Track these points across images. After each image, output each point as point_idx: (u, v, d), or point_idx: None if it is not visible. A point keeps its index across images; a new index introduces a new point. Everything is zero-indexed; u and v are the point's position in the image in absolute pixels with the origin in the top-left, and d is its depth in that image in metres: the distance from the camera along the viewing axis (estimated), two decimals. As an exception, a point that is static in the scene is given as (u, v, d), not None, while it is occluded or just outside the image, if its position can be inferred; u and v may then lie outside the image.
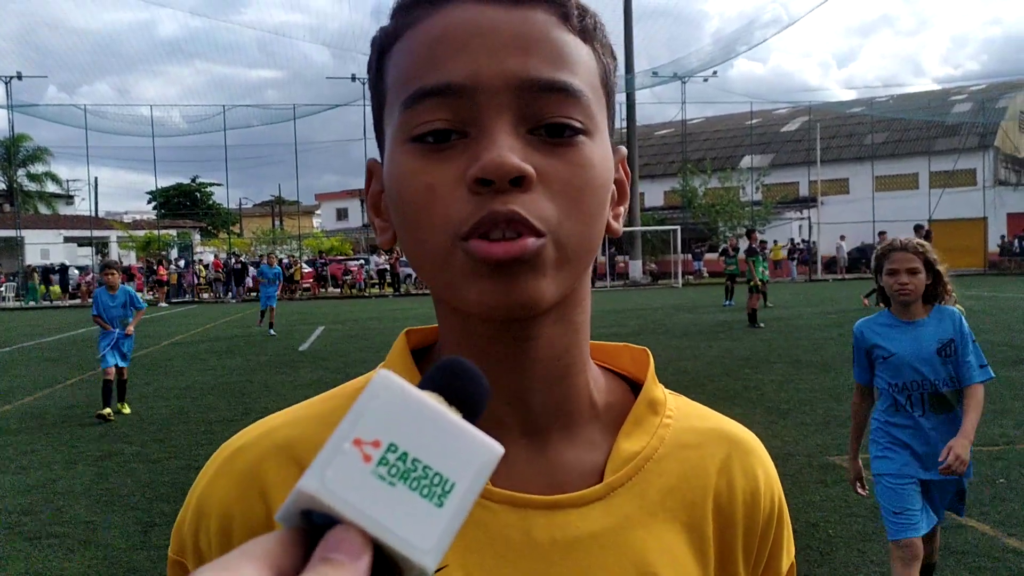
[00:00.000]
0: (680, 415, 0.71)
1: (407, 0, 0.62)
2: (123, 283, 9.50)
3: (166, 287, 36.37)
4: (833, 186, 48.19)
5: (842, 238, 41.82)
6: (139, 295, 9.35)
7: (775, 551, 0.72)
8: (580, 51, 0.60)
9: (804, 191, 48.28)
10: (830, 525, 4.88)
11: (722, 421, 0.73)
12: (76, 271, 39.42)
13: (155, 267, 36.71)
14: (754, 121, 50.27)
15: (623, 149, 0.67)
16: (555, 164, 0.57)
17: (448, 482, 0.38)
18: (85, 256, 46.71)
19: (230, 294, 37.74)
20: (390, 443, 0.38)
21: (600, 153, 0.60)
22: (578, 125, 0.58)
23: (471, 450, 0.39)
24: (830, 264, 41.87)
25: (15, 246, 40.71)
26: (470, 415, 0.41)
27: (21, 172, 49.33)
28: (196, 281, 39.10)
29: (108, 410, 8.74)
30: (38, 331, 21.33)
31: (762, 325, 16.37)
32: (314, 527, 0.37)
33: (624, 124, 42.14)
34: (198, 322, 23.26)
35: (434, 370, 0.43)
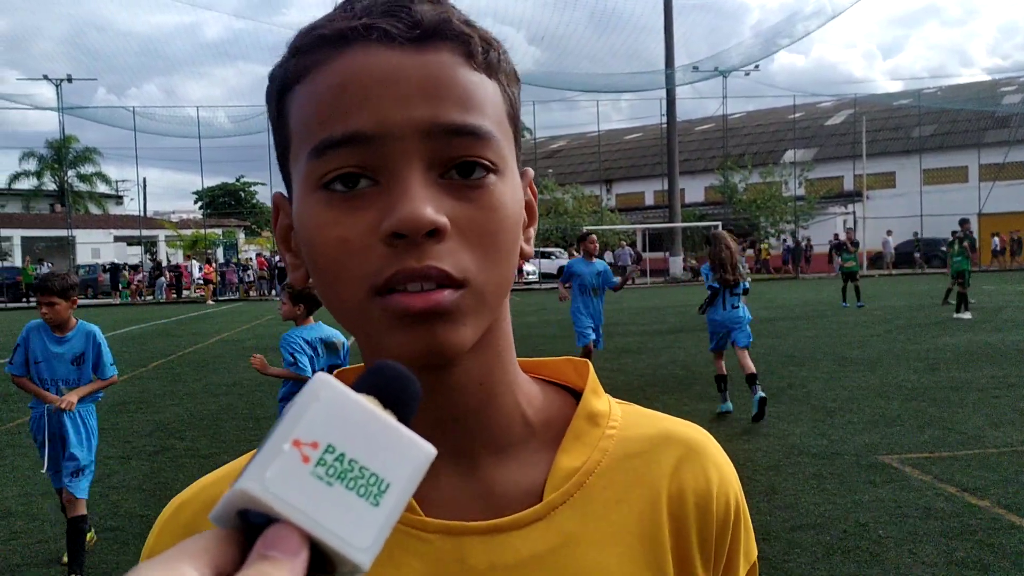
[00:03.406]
0: (625, 424, 0.69)
1: (308, 40, 0.59)
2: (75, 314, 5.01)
3: (212, 285, 37.01)
4: (879, 180, 47.30)
5: (889, 233, 41.06)
6: (108, 352, 4.93)
7: (732, 554, 0.70)
8: (487, 89, 0.59)
9: (849, 185, 47.48)
10: (880, 526, 4.82)
11: (672, 423, 0.71)
12: (127, 270, 40.18)
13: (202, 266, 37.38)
14: (797, 115, 49.53)
15: (530, 171, 0.67)
16: (468, 210, 0.57)
17: (383, 482, 0.40)
18: (135, 255, 47.68)
19: (274, 292, 38.25)
20: (328, 444, 0.39)
21: (511, 191, 0.60)
22: (488, 164, 0.57)
23: (405, 451, 0.41)
24: (876, 259, 41.13)
25: (67, 245, 41.69)
26: (403, 417, 0.42)
27: (71, 173, 50.51)
28: (241, 279, 39.66)
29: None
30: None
31: (967, 316, 16.10)
32: (250, 527, 0.38)
33: (664, 120, 41.84)
34: (244, 319, 23.62)
35: (368, 373, 0.43)
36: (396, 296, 0.55)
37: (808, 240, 41.64)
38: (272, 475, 0.38)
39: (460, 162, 0.57)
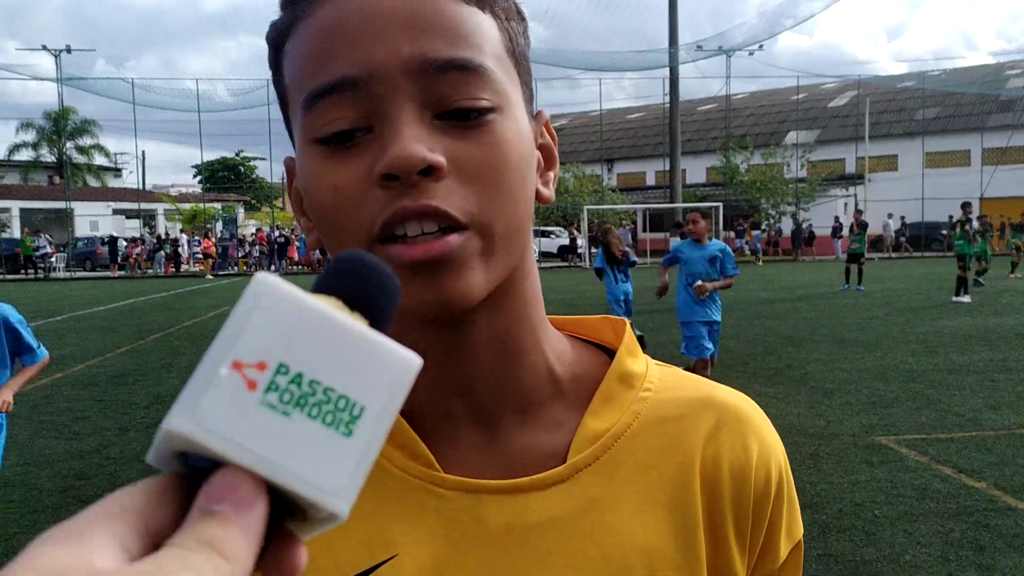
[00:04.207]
0: (662, 387, 0.66)
1: None
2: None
3: (211, 259, 37.00)
4: (881, 163, 47.18)
5: (889, 216, 41.01)
6: (30, 333, 4.31)
7: (773, 530, 0.65)
8: (481, 24, 0.56)
9: (851, 168, 47.35)
10: (876, 506, 4.83)
11: (713, 388, 0.67)
12: (124, 243, 40.17)
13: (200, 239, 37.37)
14: (800, 96, 49.32)
15: (544, 112, 0.64)
16: (466, 147, 0.54)
17: (356, 406, 0.32)
18: (133, 228, 47.60)
19: (273, 267, 38.25)
20: (279, 364, 0.31)
21: (515, 127, 0.57)
22: (485, 104, 0.55)
23: (381, 364, 0.33)
24: (876, 242, 41.11)
25: (65, 218, 41.61)
26: (377, 322, 0.35)
27: (70, 145, 50.31)
28: (240, 253, 39.66)
29: None
30: (89, 301, 21.83)
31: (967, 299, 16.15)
32: (195, 471, 0.31)
33: (667, 99, 41.64)
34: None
35: (329, 270, 0.36)
36: (397, 246, 0.53)
37: (808, 222, 41.61)
38: (208, 407, 0.30)
39: (456, 107, 0.54)
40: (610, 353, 0.68)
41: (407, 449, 0.60)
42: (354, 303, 0.34)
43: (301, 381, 0.31)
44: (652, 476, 0.62)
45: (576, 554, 0.59)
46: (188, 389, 0.31)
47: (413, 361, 0.34)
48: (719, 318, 7.68)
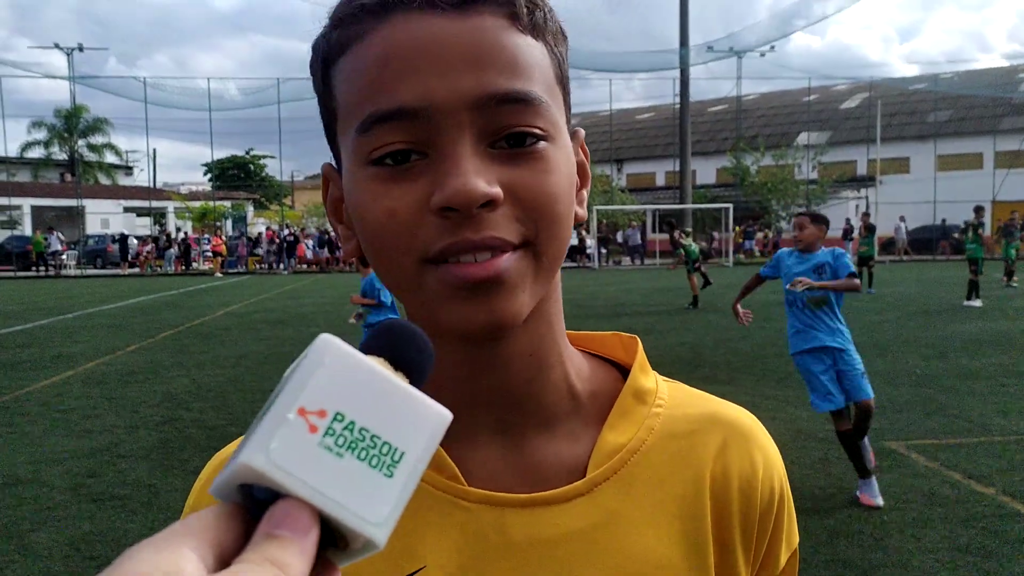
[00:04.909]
0: (672, 403, 0.68)
1: (350, 10, 0.58)
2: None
3: (221, 257, 37.12)
4: (893, 165, 46.95)
5: (901, 219, 40.82)
6: None
7: (774, 540, 0.68)
8: (534, 52, 0.57)
9: (862, 170, 47.15)
10: (885, 511, 4.81)
11: (719, 405, 0.70)
12: (135, 241, 40.35)
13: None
14: (812, 97, 49.16)
15: (580, 131, 0.65)
16: (520, 175, 0.55)
17: (397, 451, 0.37)
18: (144, 226, 47.81)
19: (282, 265, 38.34)
20: (336, 412, 0.36)
21: (563, 155, 0.58)
22: (539, 132, 0.56)
23: (420, 417, 0.38)
24: (888, 245, 40.92)
25: (76, 215, 41.82)
26: (416, 380, 0.40)
27: (81, 143, 50.55)
28: (245, 252, 39.77)
29: None
30: (99, 299, 21.94)
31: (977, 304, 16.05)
32: (254, 501, 0.36)
33: (677, 100, 41.54)
34: (252, 293, 23.69)
35: (377, 334, 0.41)
36: (451, 266, 0.55)
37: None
38: (277, 447, 0.35)
39: (509, 133, 0.55)
40: (620, 368, 0.70)
41: (432, 462, 0.61)
42: (397, 363, 0.40)
43: (354, 428, 0.36)
44: (665, 490, 0.64)
45: (597, 566, 0.60)
46: (261, 428, 0.36)
47: (445, 415, 0.39)
48: (842, 343, 5.29)
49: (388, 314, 7.90)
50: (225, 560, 0.33)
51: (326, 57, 0.60)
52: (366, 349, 0.40)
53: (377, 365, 0.38)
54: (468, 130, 0.54)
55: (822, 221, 5.35)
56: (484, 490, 0.62)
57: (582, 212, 0.64)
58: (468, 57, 0.54)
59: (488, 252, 0.54)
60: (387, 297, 7.34)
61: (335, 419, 0.36)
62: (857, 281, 5.38)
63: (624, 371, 0.70)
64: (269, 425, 0.36)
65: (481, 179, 0.53)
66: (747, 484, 0.66)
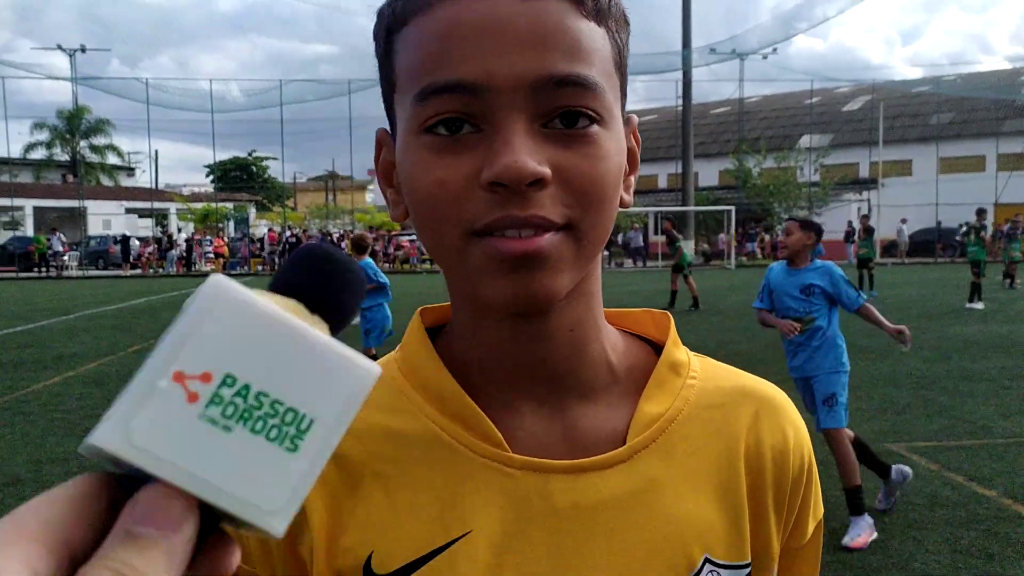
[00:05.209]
0: (705, 376, 0.70)
1: None
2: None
3: (223, 259, 37.14)
4: (895, 168, 46.92)
5: (903, 221, 40.78)
6: None
7: (803, 509, 0.71)
8: (595, 37, 0.58)
9: (864, 172, 47.12)
10: (886, 513, 4.80)
11: (749, 379, 0.72)
12: (137, 242, 40.39)
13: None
14: (814, 100, 49.14)
15: (634, 118, 0.66)
16: (571, 158, 0.56)
17: (304, 419, 0.30)
18: (146, 227, 47.85)
19: (285, 267, 38.35)
20: (225, 374, 0.30)
21: (615, 141, 0.59)
22: (593, 115, 0.57)
23: (336, 375, 0.31)
24: (890, 248, 40.89)
25: (78, 216, 41.86)
26: (337, 325, 0.33)
27: (84, 144, 50.61)
28: (248, 253, 39.80)
29: None
30: (100, 300, 21.96)
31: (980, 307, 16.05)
32: (126, 477, 0.29)
33: (680, 102, 41.54)
34: (254, 294, 23.69)
35: (289, 266, 0.34)
36: (495, 240, 0.56)
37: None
38: (141, 423, 0.29)
39: (564, 111, 0.56)
40: (652, 344, 0.73)
41: (477, 430, 0.63)
42: (315, 305, 0.32)
43: (247, 393, 0.30)
44: (701, 458, 0.66)
45: (638, 531, 0.62)
46: (121, 400, 0.29)
47: (371, 370, 0.32)
48: (813, 371, 4.93)
49: (381, 299, 7.98)
50: (76, 560, 0.28)
51: (390, 25, 0.61)
52: (274, 286, 0.33)
53: (282, 310, 0.31)
54: (524, 109, 0.55)
55: (811, 228, 4.95)
56: (528, 457, 0.63)
57: (628, 198, 0.65)
58: (530, 38, 0.55)
59: (532, 230, 0.55)
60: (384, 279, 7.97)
61: (224, 383, 0.30)
62: (866, 311, 5.12)
63: (655, 346, 0.72)
64: (133, 395, 0.29)
65: (532, 158, 0.54)
66: (780, 455, 0.68)
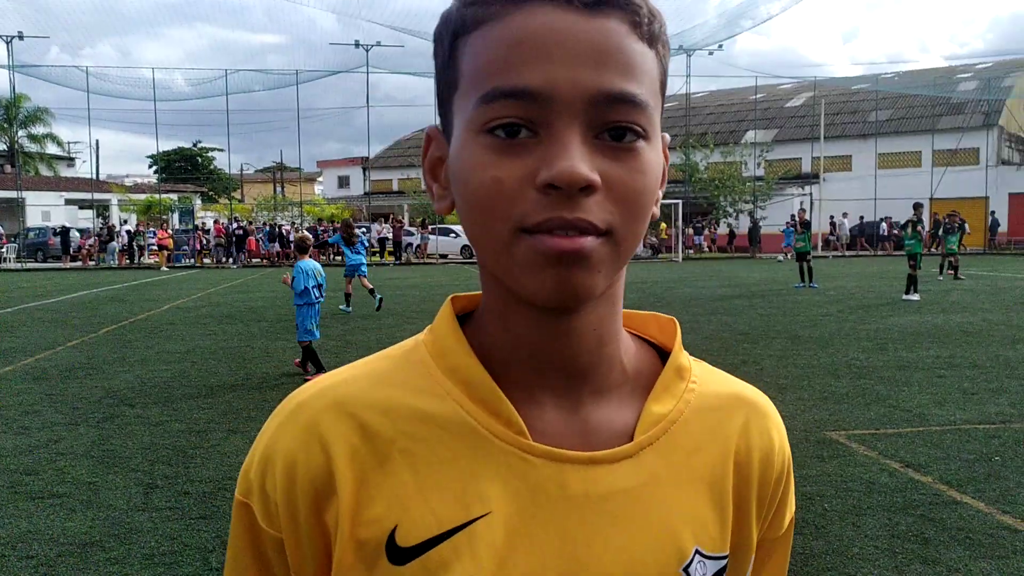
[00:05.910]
0: (703, 381, 0.76)
1: None
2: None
3: (167, 251, 36.37)
4: (836, 163, 47.98)
5: (844, 215, 41.71)
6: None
7: (781, 506, 0.79)
8: (647, 59, 0.63)
9: (807, 167, 48.05)
10: (825, 499, 4.92)
11: (741, 387, 0.79)
12: (77, 233, 39.33)
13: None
14: (758, 96, 49.89)
15: (666, 136, 0.70)
16: (617, 170, 0.61)
17: None
18: (86, 219, 46.60)
19: (231, 260, 37.72)
20: None
21: (655, 155, 0.64)
22: (639, 130, 0.61)
23: None
24: (830, 241, 41.79)
25: (16, 208, 40.60)
26: None
27: (22, 133, 49.06)
28: (199, 246, 39.02)
29: None
30: (40, 293, 21.35)
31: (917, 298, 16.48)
32: None
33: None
34: (199, 287, 23.26)
35: None
36: (544, 237, 0.60)
37: (764, 220, 42.11)
38: None
39: (614, 126, 0.61)
40: (655, 347, 0.78)
41: (501, 417, 0.67)
42: None
43: None
44: (698, 457, 0.72)
45: (640, 521, 0.68)
46: None
47: None
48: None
49: (308, 298, 8.90)
50: None
51: (457, 29, 0.64)
52: None
53: None
54: (580, 119, 0.60)
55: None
56: (546, 446, 0.67)
57: (656, 210, 0.69)
58: (592, 55, 0.60)
59: (577, 231, 0.59)
60: (308, 282, 8.84)
61: None
62: None
63: (658, 349, 0.78)
64: None
65: (585, 165, 0.58)
66: (766, 457, 0.75)
